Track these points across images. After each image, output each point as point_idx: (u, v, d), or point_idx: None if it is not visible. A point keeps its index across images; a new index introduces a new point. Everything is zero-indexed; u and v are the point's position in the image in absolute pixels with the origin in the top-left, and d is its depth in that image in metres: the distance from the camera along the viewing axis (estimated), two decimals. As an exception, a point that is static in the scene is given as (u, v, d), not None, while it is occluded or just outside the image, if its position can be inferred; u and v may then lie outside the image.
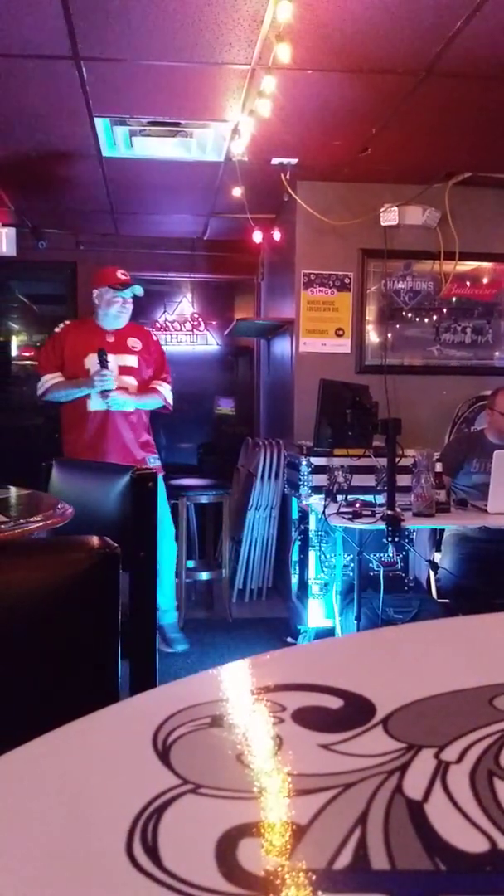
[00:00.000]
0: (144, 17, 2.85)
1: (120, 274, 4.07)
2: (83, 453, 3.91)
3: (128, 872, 0.46)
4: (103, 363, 3.91)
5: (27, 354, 6.93)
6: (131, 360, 4.07)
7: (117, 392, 3.97)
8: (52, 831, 0.53)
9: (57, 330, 4.17)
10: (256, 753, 0.63)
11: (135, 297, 4.10)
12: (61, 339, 4.10)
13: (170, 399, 4.21)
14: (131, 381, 4.06)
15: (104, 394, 3.92)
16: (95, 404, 3.97)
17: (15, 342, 6.92)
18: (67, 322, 4.28)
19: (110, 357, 3.93)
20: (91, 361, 3.96)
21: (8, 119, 3.88)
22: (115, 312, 4.05)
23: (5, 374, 6.87)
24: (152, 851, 0.48)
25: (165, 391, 4.18)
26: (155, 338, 4.30)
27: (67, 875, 0.48)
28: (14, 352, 6.88)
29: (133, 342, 4.11)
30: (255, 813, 0.54)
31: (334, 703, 0.72)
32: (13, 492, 2.56)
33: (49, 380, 4.05)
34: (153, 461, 4.09)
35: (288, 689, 0.77)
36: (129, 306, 4.10)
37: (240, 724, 0.70)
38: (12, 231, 5.47)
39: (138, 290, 4.08)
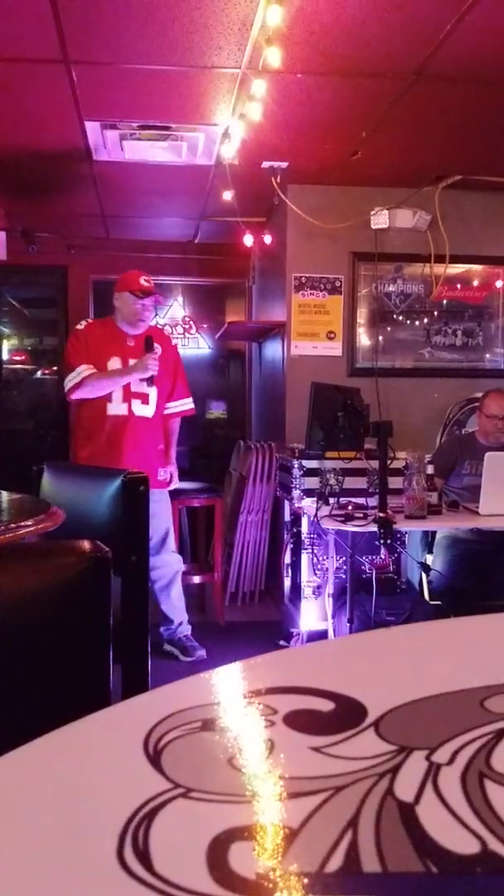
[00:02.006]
0: (134, 21, 2.85)
1: (143, 280, 4.00)
2: (98, 459, 3.85)
3: (119, 877, 0.46)
4: (150, 347, 3.90)
5: (18, 358, 6.92)
6: (142, 376, 3.98)
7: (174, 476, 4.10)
8: (42, 836, 0.52)
9: (79, 327, 4.08)
10: (248, 757, 0.63)
11: (157, 303, 4.08)
12: (85, 335, 4.02)
13: (189, 407, 4.23)
14: (152, 390, 4.02)
15: (149, 379, 3.90)
16: (115, 409, 3.93)
17: (6, 346, 6.90)
18: (89, 320, 4.19)
19: (132, 362, 3.92)
20: (114, 364, 3.93)
21: (-2, 123, 3.87)
22: (135, 319, 4.00)
23: (-4, 378, 6.85)
24: (143, 856, 0.48)
25: (184, 407, 4.20)
26: (173, 342, 4.27)
27: (58, 880, 0.47)
28: (5, 356, 6.86)
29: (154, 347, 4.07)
30: (247, 816, 0.54)
31: (326, 705, 0.72)
32: (4, 496, 2.55)
33: (85, 370, 3.90)
34: (162, 474, 4.08)
35: (279, 693, 0.76)
36: (150, 312, 4.05)
37: (231, 728, 0.70)
38: (2, 235, 5.46)
39: (160, 299, 4.06)
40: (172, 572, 4.14)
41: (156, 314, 4.11)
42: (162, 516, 4.07)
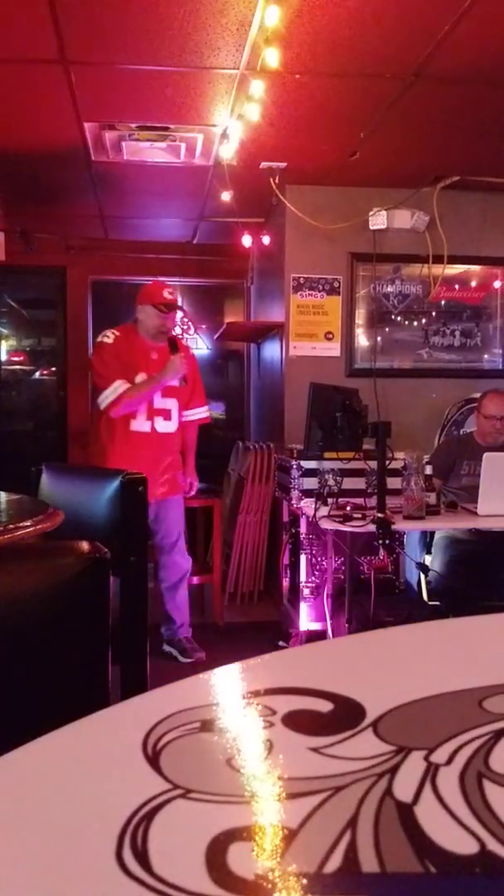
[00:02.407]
0: (132, 22, 2.85)
1: (166, 293, 3.97)
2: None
3: (117, 878, 0.46)
4: (175, 348, 3.90)
5: (16, 359, 6.92)
6: (171, 381, 3.98)
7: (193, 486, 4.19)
8: (41, 836, 0.52)
9: (108, 340, 3.98)
10: (247, 757, 0.63)
11: (180, 317, 4.08)
12: (116, 349, 3.96)
13: (206, 415, 4.27)
14: (173, 402, 4.03)
15: (182, 379, 3.91)
16: (139, 425, 3.94)
17: (5, 347, 6.90)
18: (116, 333, 4.03)
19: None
20: (140, 380, 3.92)
21: (-4, 123, 3.87)
22: (156, 332, 3.98)
23: (-6, 378, 6.85)
24: (142, 857, 0.48)
25: (200, 415, 4.23)
26: (191, 352, 4.24)
27: (57, 880, 0.47)
28: (4, 356, 6.86)
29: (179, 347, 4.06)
30: (246, 817, 0.54)
31: (324, 706, 0.72)
32: (3, 496, 2.55)
33: (121, 386, 3.85)
34: (182, 480, 4.14)
35: (278, 693, 0.77)
36: (173, 324, 4.04)
37: (230, 729, 0.70)
38: (1, 235, 5.46)
39: (180, 314, 4.05)
40: (181, 574, 4.18)
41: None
42: (178, 519, 4.15)
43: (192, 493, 4.27)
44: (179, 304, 4.08)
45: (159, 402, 3.97)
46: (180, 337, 4.24)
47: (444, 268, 4.89)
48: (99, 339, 4.05)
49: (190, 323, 6.67)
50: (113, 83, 3.42)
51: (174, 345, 3.94)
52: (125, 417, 3.92)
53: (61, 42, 3.01)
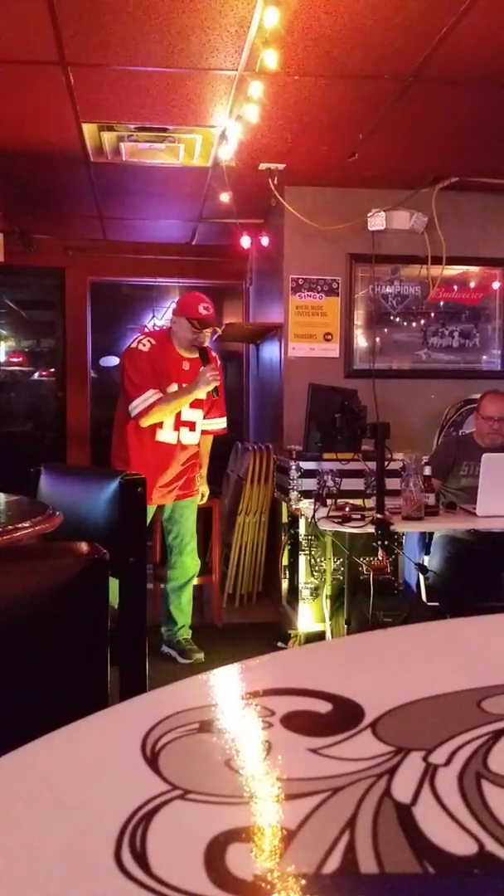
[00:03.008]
0: (131, 23, 2.86)
1: (202, 308, 3.91)
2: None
3: (116, 878, 0.46)
4: (206, 359, 3.89)
5: (15, 360, 6.92)
6: (201, 394, 3.95)
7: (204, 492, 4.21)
8: (40, 837, 0.52)
9: (143, 348, 3.95)
10: (245, 758, 0.63)
11: (213, 334, 4.06)
12: (150, 358, 3.94)
13: (223, 426, 4.26)
14: (198, 413, 4.03)
15: (214, 391, 3.90)
16: (163, 436, 3.94)
17: (4, 348, 6.90)
18: (152, 341, 3.99)
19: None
20: (172, 390, 3.92)
21: (-5, 124, 3.87)
22: (189, 345, 3.95)
23: (-7, 379, 6.85)
24: (141, 857, 0.48)
25: (218, 426, 4.23)
26: (218, 363, 4.18)
27: (55, 881, 0.48)
28: (2, 357, 6.86)
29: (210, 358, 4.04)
30: (244, 818, 0.54)
31: (323, 707, 0.72)
32: (2, 498, 2.55)
33: (152, 396, 3.83)
34: (196, 481, 4.16)
35: (277, 694, 0.77)
36: (204, 339, 3.98)
37: (229, 730, 0.70)
38: (0, 236, 5.46)
39: (217, 330, 4.03)
40: (189, 575, 4.20)
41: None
42: (192, 519, 4.19)
43: (203, 501, 4.30)
44: (214, 319, 4.02)
45: (187, 413, 3.97)
46: (216, 355, 4.21)
47: (443, 269, 4.89)
48: (134, 344, 3.99)
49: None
50: (112, 84, 3.42)
51: (205, 355, 3.92)
52: (152, 427, 3.92)
53: (60, 43, 3.01)
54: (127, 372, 3.95)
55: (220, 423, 4.23)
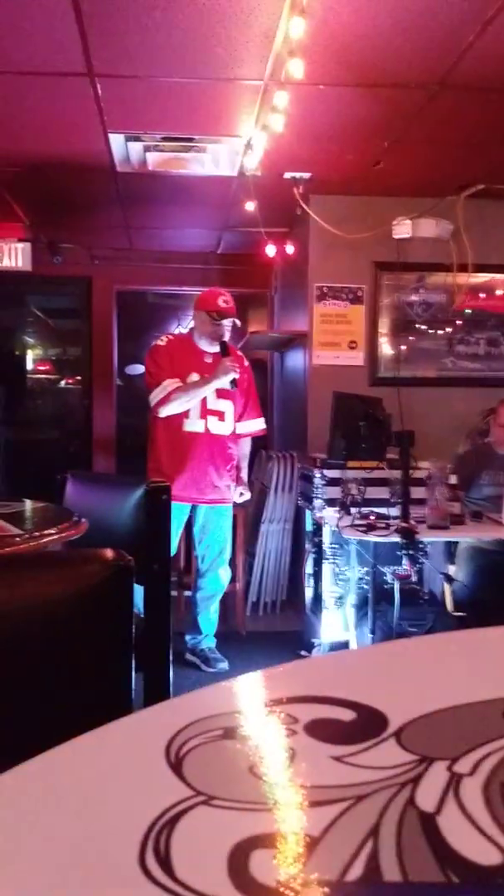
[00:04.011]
0: (158, 35, 2.88)
1: (221, 301, 3.98)
2: (170, 474, 3.86)
3: (140, 883, 0.47)
4: (226, 352, 3.92)
5: (42, 368, 6.99)
6: (222, 384, 4.00)
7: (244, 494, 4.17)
8: (65, 842, 0.53)
9: (161, 343, 4.08)
10: (269, 765, 0.64)
11: (234, 326, 4.07)
12: (168, 350, 4.03)
13: (261, 427, 4.28)
14: (228, 404, 4.04)
15: (232, 382, 3.91)
16: (191, 425, 3.95)
17: (31, 356, 6.97)
18: (170, 336, 4.18)
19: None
20: (193, 379, 3.96)
21: (24, 135, 3.92)
22: (210, 339, 4.00)
23: (21, 387, 6.92)
24: (165, 862, 0.48)
25: (255, 427, 4.24)
26: (246, 363, 4.24)
27: (80, 885, 0.48)
28: (30, 365, 6.93)
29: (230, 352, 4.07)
30: (268, 824, 0.54)
31: (347, 715, 0.72)
32: (28, 505, 2.57)
33: (170, 384, 3.90)
34: (234, 491, 4.12)
35: (301, 702, 0.77)
36: (225, 332, 4.02)
37: (252, 736, 0.70)
38: (28, 246, 5.52)
39: (237, 322, 4.04)
40: (220, 587, 4.19)
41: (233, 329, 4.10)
42: (225, 531, 4.15)
43: (242, 500, 4.24)
44: (235, 312, 4.04)
45: (213, 402, 3.99)
46: (242, 354, 4.25)
47: (469, 276, 4.87)
48: (154, 342, 4.14)
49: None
50: (139, 95, 3.45)
51: (225, 348, 3.96)
52: (179, 417, 3.93)
53: (88, 55, 3.05)
54: (147, 366, 4.06)
55: (257, 425, 4.24)
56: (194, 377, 3.94)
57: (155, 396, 3.91)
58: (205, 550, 4.12)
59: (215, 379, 3.89)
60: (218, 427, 4.00)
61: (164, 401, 3.88)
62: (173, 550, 4.09)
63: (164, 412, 3.91)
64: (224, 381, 3.90)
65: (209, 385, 3.91)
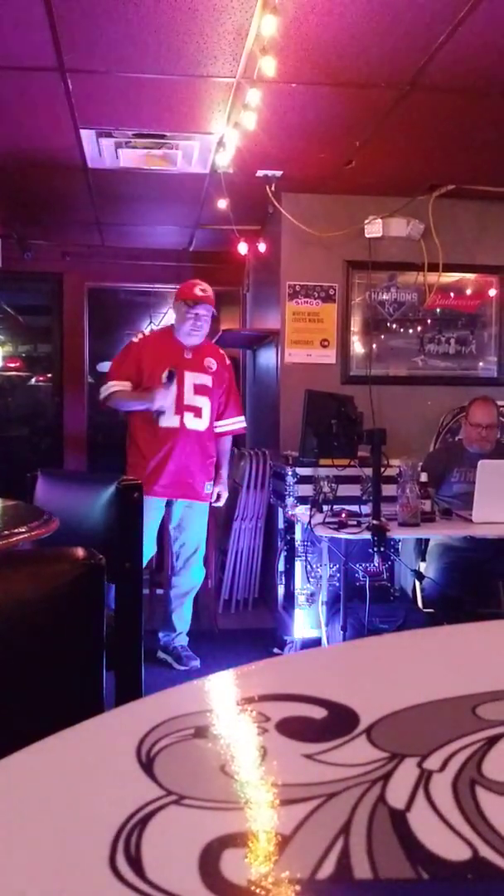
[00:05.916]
0: (130, 30, 2.87)
1: (198, 290, 3.97)
2: (146, 469, 3.89)
3: (111, 884, 0.46)
4: (171, 378, 3.90)
5: (13, 365, 6.92)
6: (206, 380, 4.01)
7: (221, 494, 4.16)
8: (34, 842, 0.52)
9: (134, 340, 4.10)
10: (240, 764, 0.64)
11: (214, 317, 4.06)
12: (138, 350, 4.03)
13: (241, 425, 4.30)
14: (205, 400, 4.02)
15: (157, 412, 3.91)
16: (166, 421, 3.94)
17: (1, 353, 6.90)
18: (146, 333, 4.23)
19: (187, 375, 3.95)
20: (142, 389, 3.95)
21: (-7, 130, 3.88)
22: (188, 329, 3.98)
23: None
24: (135, 863, 0.48)
25: (235, 426, 4.25)
26: (227, 361, 4.23)
27: (49, 887, 0.48)
28: (0, 362, 6.86)
29: (209, 362, 4.07)
30: (239, 823, 0.54)
31: (318, 713, 0.72)
32: (-2, 503, 2.54)
33: (113, 386, 3.98)
34: (209, 488, 4.10)
35: (272, 700, 0.77)
36: (203, 323, 4.00)
37: (224, 735, 0.70)
38: (-3, 242, 5.47)
39: (214, 312, 4.03)
40: (194, 584, 4.18)
41: (212, 321, 4.08)
42: (200, 528, 4.13)
43: (220, 503, 4.22)
44: (212, 302, 4.04)
45: (190, 398, 3.97)
46: (224, 353, 4.25)
47: (440, 276, 4.90)
48: (130, 338, 4.20)
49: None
50: (110, 91, 3.43)
51: (171, 376, 3.92)
52: (155, 414, 3.95)
53: (59, 50, 3.02)
54: (112, 360, 4.15)
55: (237, 423, 4.24)
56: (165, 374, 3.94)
57: (101, 393, 4.08)
58: (180, 548, 4.10)
59: (146, 399, 3.90)
60: (194, 423, 3.99)
61: (105, 401, 4.05)
62: (153, 548, 4.08)
63: (109, 406, 4.08)
64: (152, 405, 3.89)
65: (143, 404, 3.92)
